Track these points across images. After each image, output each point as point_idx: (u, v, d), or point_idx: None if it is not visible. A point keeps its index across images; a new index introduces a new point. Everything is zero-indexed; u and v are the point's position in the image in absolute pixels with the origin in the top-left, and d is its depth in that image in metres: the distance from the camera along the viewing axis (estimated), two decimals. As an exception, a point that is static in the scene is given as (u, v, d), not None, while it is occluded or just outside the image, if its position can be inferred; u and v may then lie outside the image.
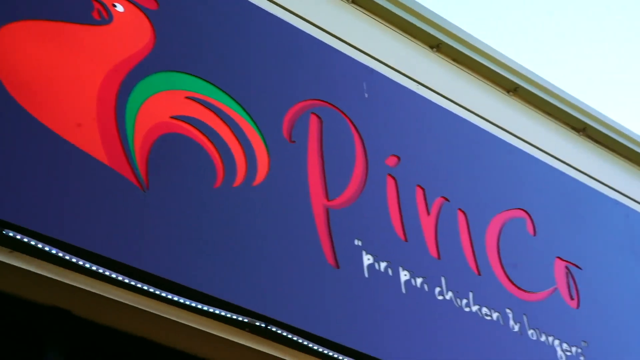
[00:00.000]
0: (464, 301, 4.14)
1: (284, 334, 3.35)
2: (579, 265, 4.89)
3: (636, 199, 5.92)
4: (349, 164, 4.13)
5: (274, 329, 3.33)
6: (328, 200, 3.91)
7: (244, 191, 3.59)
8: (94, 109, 3.29)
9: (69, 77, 3.28)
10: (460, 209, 4.50)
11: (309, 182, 3.88)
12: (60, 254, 2.92)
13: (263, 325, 3.31)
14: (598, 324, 4.72)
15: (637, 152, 6.13)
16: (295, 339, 3.38)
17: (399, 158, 4.39)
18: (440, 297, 4.06)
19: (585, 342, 4.53)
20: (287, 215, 3.69)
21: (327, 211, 3.86)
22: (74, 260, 2.93)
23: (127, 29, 3.57)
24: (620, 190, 5.84)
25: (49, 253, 2.91)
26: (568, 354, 4.40)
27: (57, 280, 2.93)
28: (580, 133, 5.98)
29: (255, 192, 3.63)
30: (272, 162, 3.76)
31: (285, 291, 3.48)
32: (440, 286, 4.09)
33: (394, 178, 4.29)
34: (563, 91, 5.82)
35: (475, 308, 4.17)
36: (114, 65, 3.43)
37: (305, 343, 3.40)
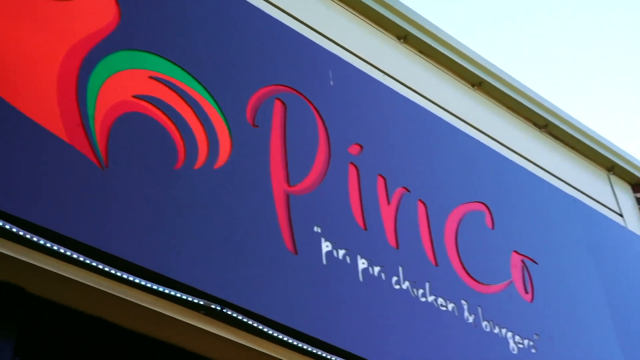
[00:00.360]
0: (420, 291, 4.17)
1: (240, 317, 3.35)
2: (534, 260, 4.95)
3: (594, 197, 6.02)
4: (311, 150, 4.13)
5: (229, 313, 3.32)
6: (289, 186, 3.91)
7: (204, 173, 3.57)
8: (54, 85, 3.24)
9: (30, 52, 3.23)
10: (420, 200, 4.53)
11: (271, 167, 3.87)
12: (14, 230, 2.88)
13: (219, 308, 3.30)
14: (551, 318, 4.78)
15: (596, 151, 6.23)
16: (250, 322, 3.38)
17: (361, 147, 4.40)
18: (397, 287, 4.08)
19: (537, 335, 4.59)
20: (247, 199, 3.68)
21: (288, 197, 3.86)
22: (27, 236, 2.89)
23: (91, 5, 3.53)
24: (578, 187, 5.93)
25: (2, 228, 2.86)
26: (520, 346, 4.46)
27: (11, 256, 2.89)
28: (542, 130, 6.06)
29: (216, 175, 3.62)
30: (234, 146, 3.74)
31: (243, 275, 3.47)
32: (398, 276, 4.12)
33: (355, 166, 4.30)
34: (527, 87, 5.89)
35: (431, 298, 4.20)
36: (77, 42, 3.39)
37: (261, 327, 3.40)
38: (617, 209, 6.15)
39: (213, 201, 3.54)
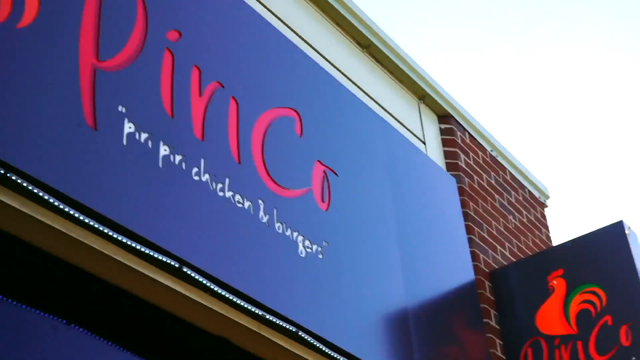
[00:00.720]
0: (219, 185, 4.21)
1: (26, 184, 3.24)
2: (335, 172, 5.12)
3: (401, 121, 6.28)
4: (127, 27, 3.99)
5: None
6: (98, 60, 3.77)
7: (5, 31, 3.37)
8: None
9: None
10: (233, 97, 4.53)
11: (80, 37, 3.71)
12: None
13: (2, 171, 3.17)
14: (342, 229, 4.99)
15: (411, 78, 6.47)
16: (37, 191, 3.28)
17: (180, 34, 4.31)
18: (197, 178, 4.10)
19: (327, 242, 4.78)
20: (49, 64, 3.52)
21: (95, 71, 3.73)
22: None
23: None
24: (389, 110, 6.16)
25: None
26: (309, 250, 4.64)
27: None
28: (364, 50, 6.19)
29: (18, 34, 3.42)
30: (42, 7, 3.54)
31: (34, 143, 3.34)
32: (199, 167, 4.13)
33: (171, 53, 4.22)
34: (355, 4, 5.97)
35: (229, 194, 4.25)
36: None
37: (47, 197, 3.31)
38: (421, 137, 6.45)
39: (11, 61, 3.35)
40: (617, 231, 5.82)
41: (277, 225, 4.49)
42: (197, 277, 3.83)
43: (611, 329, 5.60)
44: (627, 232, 5.78)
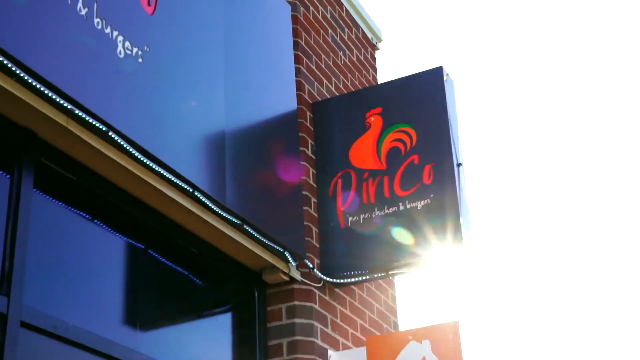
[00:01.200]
0: (35, -32, 3.93)
1: None
2: (166, -24, 4.91)
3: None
4: None
5: None
6: None
7: None
8: None
9: None
10: None
11: None
12: None
13: None
14: (166, 37, 4.85)
15: None
16: None
17: None
18: (9, -45, 3.79)
19: (148, 47, 4.64)
20: None
21: None
22: None
23: None
24: None
25: None
26: (128, 52, 4.49)
27: None
28: None
29: None
30: None
31: None
32: (12, -57, 3.81)
33: None
34: None
35: (45, -21, 3.98)
36: None
37: None
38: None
39: None
40: (436, 76, 6.04)
41: (96, 20, 4.29)
42: (-1, 57, 3.62)
43: (416, 168, 5.91)
44: (445, 78, 6.01)
